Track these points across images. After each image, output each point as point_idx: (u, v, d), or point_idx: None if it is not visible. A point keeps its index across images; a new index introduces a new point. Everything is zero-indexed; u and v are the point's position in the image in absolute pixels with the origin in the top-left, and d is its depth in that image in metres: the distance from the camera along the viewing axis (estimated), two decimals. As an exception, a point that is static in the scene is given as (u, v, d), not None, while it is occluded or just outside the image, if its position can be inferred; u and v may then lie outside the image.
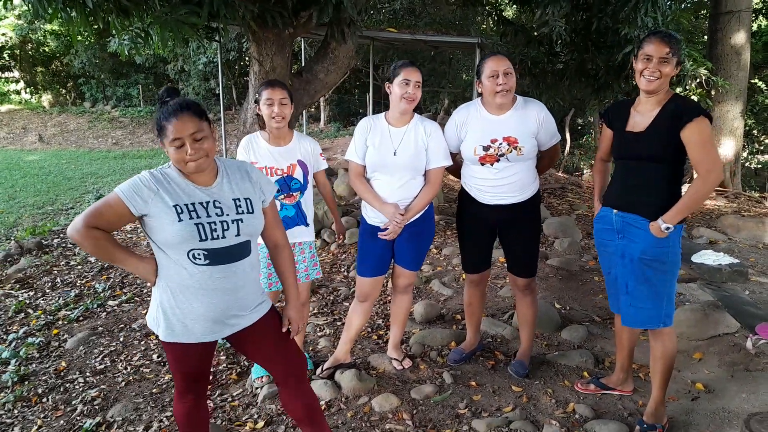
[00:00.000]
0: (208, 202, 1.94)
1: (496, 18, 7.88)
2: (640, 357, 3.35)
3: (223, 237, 1.93)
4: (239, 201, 2.01)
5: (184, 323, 1.98)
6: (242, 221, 1.98)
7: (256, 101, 2.89)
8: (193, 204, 1.91)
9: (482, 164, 2.90)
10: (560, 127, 12.33)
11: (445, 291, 4.44)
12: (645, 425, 2.60)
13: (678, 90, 7.97)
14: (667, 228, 2.36)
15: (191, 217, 1.89)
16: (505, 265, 3.30)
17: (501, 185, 2.90)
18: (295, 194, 2.95)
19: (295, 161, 2.92)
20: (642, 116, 2.46)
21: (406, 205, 2.90)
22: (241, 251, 1.99)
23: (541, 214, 6.37)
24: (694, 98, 7.93)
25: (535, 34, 7.38)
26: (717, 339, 3.45)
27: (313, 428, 2.25)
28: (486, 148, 2.87)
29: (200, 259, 1.91)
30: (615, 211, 2.56)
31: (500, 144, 2.84)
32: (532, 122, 2.85)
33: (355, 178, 2.97)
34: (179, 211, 1.88)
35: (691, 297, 4.14)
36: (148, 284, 1.96)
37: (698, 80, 7.96)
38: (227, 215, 1.95)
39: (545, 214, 6.58)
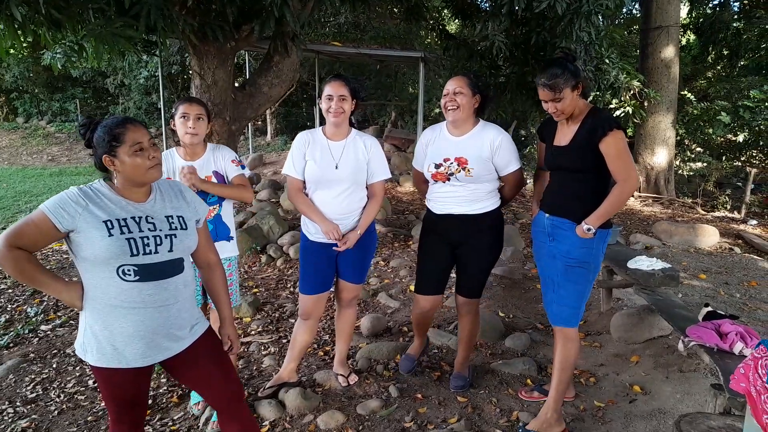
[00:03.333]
0: (140, 218, 1.89)
1: (439, 32, 8.01)
2: (581, 362, 3.44)
3: (156, 252, 1.88)
4: (172, 218, 1.97)
5: (114, 346, 1.89)
6: (176, 236, 1.94)
7: (172, 116, 2.83)
8: (124, 219, 1.86)
9: (435, 181, 2.98)
10: (504, 138, 12.58)
11: (392, 303, 4.44)
12: (521, 430, 2.68)
13: (614, 101, 8.29)
14: (589, 229, 2.51)
15: (122, 232, 1.83)
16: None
17: (450, 197, 2.96)
18: (212, 207, 2.85)
19: (210, 173, 2.85)
20: (566, 131, 2.63)
21: (348, 218, 2.90)
22: (173, 268, 1.94)
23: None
24: (629, 109, 8.27)
25: (477, 48, 7.54)
26: (652, 342, 3.58)
27: None
28: (437, 166, 2.94)
29: (130, 275, 1.84)
30: (546, 215, 2.70)
31: (451, 163, 2.91)
32: (486, 146, 2.89)
33: (295, 193, 2.95)
34: (110, 226, 1.82)
35: (627, 302, 4.29)
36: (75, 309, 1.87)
37: (632, 92, 8.31)
38: (160, 230, 1.91)
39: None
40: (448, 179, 2.93)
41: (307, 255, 3.02)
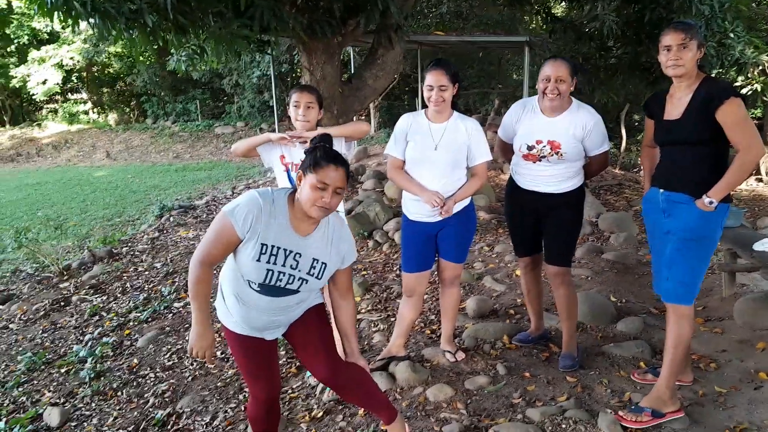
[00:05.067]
0: (291, 252, 2.01)
1: (544, 15, 7.82)
2: (699, 347, 3.29)
3: (283, 286, 2.05)
4: (317, 263, 2.08)
5: (232, 316, 2.16)
6: (307, 282, 2.08)
7: (287, 103, 3.02)
8: (278, 248, 1.99)
9: (525, 160, 3.03)
10: (616, 122, 12.03)
11: (498, 287, 4.45)
12: (633, 406, 2.60)
13: (740, 79, 7.69)
14: (711, 202, 2.40)
15: (269, 261, 1.98)
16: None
17: (540, 176, 3.01)
18: None
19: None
20: (677, 104, 2.52)
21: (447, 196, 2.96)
22: (291, 292, 2.10)
23: (595, 210, 6.31)
24: (758, 86, 7.63)
25: (586, 29, 7.28)
26: (782, 328, 3.34)
27: (364, 391, 2.38)
28: (530, 148, 2.98)
29: (254, 286, 2.05)
30: (661, 190, 2.60)
31: (543, 146, 2.94)
32: (579, 129, 2.91)
33: (393, 170, 3.05)
34: (263, 251, 1.97)
35: (753, 287, 4.01)
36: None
37: (761, 68, 7.65)
38: (299, 270, 2.05)
39: (600, 210, 6.48)
40: (539, 160, 2.97)
41: (407, 234, 3.13)
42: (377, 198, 6.57)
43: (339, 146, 3.06)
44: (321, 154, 1.96)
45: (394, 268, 5.08)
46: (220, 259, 2.01)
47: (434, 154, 2.92)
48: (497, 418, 2.73)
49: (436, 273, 3.37)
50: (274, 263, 1.98)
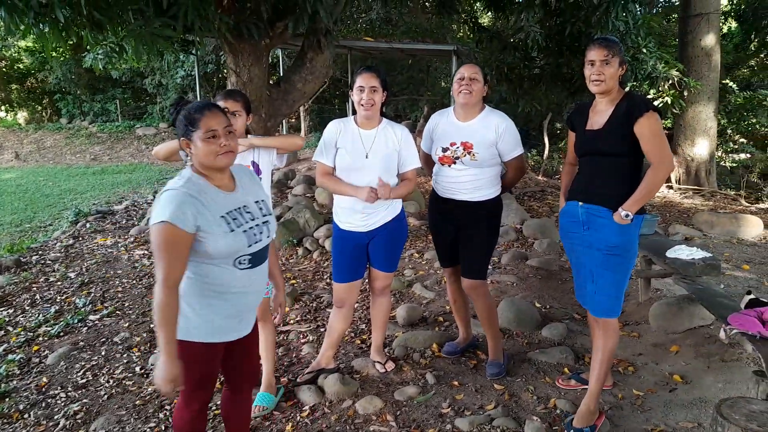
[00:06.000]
0: (240, 208, 1.97)
1: (471, 25, 7.98)
2: (618, 352, 3.41)
3: (260, 240, 2.00)
4: (261, 203, 2.08)
5: (213, 323, 1.99)
6: (268, 222, 2.06)
7: None
8: (231, 212, 1.93)
9: (441, 164, 3.09)
10: (539, 131, 12.46)
11: (427, 294, 4.48)
12: (572, 430, 2.63)
13: (652, 92, 8.14)
14: (627, 215, 2.48)
15: (238, 225, 1.92)
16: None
17: (456, 182, 3.07)
18: None
19: (248, 163, 2.93)
20: (599, 115, 2.61)
21: (379, 206, 2.93)
22: (266, 253, 2.07)
23: (520, 217, 6.49)
24: (668, 99, 8.09)
25: (511, 40, 7.50)
26: (692, 331, 3.53)
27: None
28: (444, 150, 3.06)
29: (244, 263, 1.96)
30: (580, 203, 2.66)
31: (457, 147, 3.02)
32: (491, 131, 3.00)
33: (323, 176, 3.00)
34: (227, 222, 1.89)
35: (666, 291, 4.22)
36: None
37: (670, 81, 8.13)
38: (257, 218, 2.01)
39: (524, 216, 6.66)
40: (454, 162, 3.03)
41: (338, 243, 3.08)
42: (307, 204, 6.48)
43: (270, 157, 2.98)
44: (189, 112, 1.91)
45: (325, 277, 5.01)
46: (183, 273, 1.86)
47: (366, 162, 2.89)
48: (426, 429, 2.72)
49: (366, 282, 3.34)
50: (243, 222, 1.94)
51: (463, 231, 3.14)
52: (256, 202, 2.06)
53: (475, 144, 2.98)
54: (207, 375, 2.12)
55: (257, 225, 2.00)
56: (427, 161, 3.29)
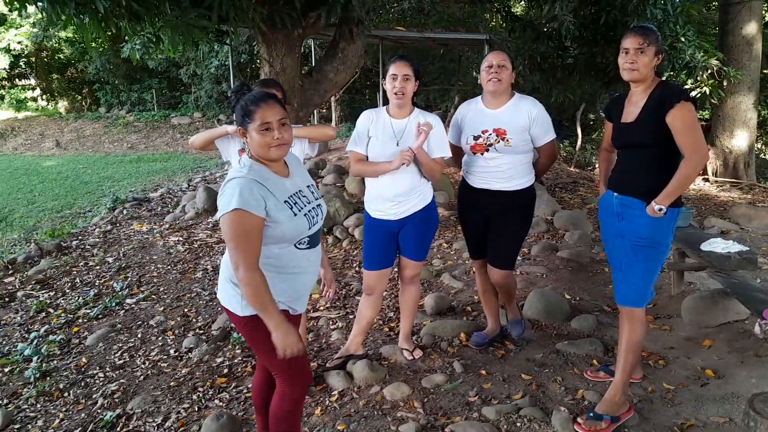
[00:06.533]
0: (297, 192, 2.05)
1: (504, 14, 7.89)
2: (649, 345, 3.38)
3: (317, 222, 2.09)
4: (311, 188, 2.16)
5: (295, 292, 2.11)
6: (321, 206, 2.14)
7: None
8: (291, 196, 2.02)
9: (474, 153, 3.07)
10: (572, 121, 12.27)
11: (456, 284, 4.48)
12: (592, 414, 2.60)
13: (689, 82, 7.94)
14: (660, 209, 2.45)
15: (300, 209, 2.01)
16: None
17: (489, 171, 3.06)
18: None
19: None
20: (633, 107, 2.57)
21: (409, 195, 2.96)
22: (319, 234, 2.16)
23: (551, 208, 6.43)
24: (706, 89, 7.88)
25: (545, 29, 7.39)
26: (726, 326, 3.47)
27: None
28: (476, 138, 3.04)
29: (304, 244, 2.05)
30: (615, 194, 2.65)
31: (489, 135, 3.00)
32: (523, 117, 2.99)
33: (356, 163, 3.03)
34: (290, 207, 1.97)
35: (700, 285, 4.15)
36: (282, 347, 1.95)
37: (709, 71, 7.91)
38: (311, 201, 2.10)
39: (555, 208, 6.59)
40: (487, 150, 3.02)
41: (370, 231, 3.12)
42: (337, 193, 6.53)
43: (302, 146, 3.03)
44: (246, 103, 1.96)
45: (354, 265, 5.06)
46: (260, 253, 1.92)
47: (397, 150, 2.91)
48: (453, 417, 2.74)
49: (395, 270, 3.36)
50: (303, 206, 2.03)
51: (495, 221, 3.13)
52: (308, 186, 2.15)
53: (508, 130, 2.96)
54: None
55: (313, 208, 2.09)
56: (455, 152, 3.25)
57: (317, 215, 2.09)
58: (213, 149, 3.02)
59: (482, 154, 3.04)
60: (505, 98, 3.03)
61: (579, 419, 2.61)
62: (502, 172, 3.03)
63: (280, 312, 1.95)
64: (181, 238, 6.07)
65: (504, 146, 2.98)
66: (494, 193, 3.07)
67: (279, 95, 2.88)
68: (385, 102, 3.03)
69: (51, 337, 3.92)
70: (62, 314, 4.34)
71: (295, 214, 1.97)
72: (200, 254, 5.59)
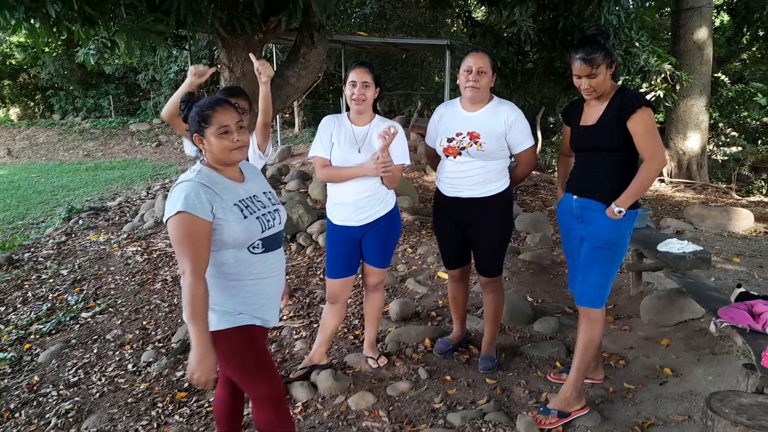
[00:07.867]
0: (251, 197, 2.02)
1: (465, 19, 7.97)
2: (609, 345, 3.44)
3: (273, 226, 2.04)
4: (268, 194, 2.13)
5: (236, 311, 2.00)
6: (279, 211, 2.10)
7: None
8: (243, 200, 1.98)
9: (446, 156, 3.03)
10: (532, 125, 12.46)
11: (420, 289, 4.48)
12: (542, 408, 2.70)
13: (644, 85, 8.15)
14: (620, 211, 2.50)
15: (252, 212, 1.97)
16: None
17: (460, 177, 3.01)
18: None
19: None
20: (593, 111, 2.62)
21: (371, 200, 2.93)
22: (279, 239, 2.11)
23: (513, 212, 6.50)
24: (660, 93, 8.11)
25: (504, 34, 7.50)
26: (683, 325, 3.55)
27: None
28: (450, 140, 3.00)
29: (258, 248, 1.99)
30: (575, 197, 2.69)
31: (463, 137, 2.95)
32: (500, 122, 2.94)
33: (322, 168, 2.96)
34: (241, 209, 1.94)
35: (658, 285, 4.25)
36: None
37: (663, 75, 8.14)
38: (267, 206, 2.06)
39: (517, 211, 6.67)
40: (459, 154, 2.97)
41: (332, 239, 3.08)
42: (301, 199, 6.47)
43: (253, 153, 3.01)
44: (201, 108, 1.93)
45: (318, 273, 5.01)
46: (208, 262, 1.87)
47: (358, 157, 2.89)
48: (419, 425, 2.73)
49: (360, 277, 3.34)
50: (255, 210, 1.99)
51: (474, 230, 3.09)
52: (264, 193, 2.12)
53: (482, 134, 2.91)
54: (258, 358, 2.02)
55: (269, 212, 2.05)
56: (431, 157, 3.23)
57: (273, 219, 2.05)
58: (181, 126, 2.93)
59: (454, 157, 2.99)
60: (483, 101, 2.98)
61: (533, 412, 2.70)
62: (469, 178, 2.97)
63: (208, 332, 1.84)
64: (139, 248, 5.91)
65: (477, 150, 2.92)
66: (466, 201, 3.01)
67: (245, 104, 2.85)
68: (348, 108, 3.00)
69: (1, 355, 3.75)
70: (13, 330, 4.16)
71: (246, 217, 1.93)
72: (159, 264, 5.46)
